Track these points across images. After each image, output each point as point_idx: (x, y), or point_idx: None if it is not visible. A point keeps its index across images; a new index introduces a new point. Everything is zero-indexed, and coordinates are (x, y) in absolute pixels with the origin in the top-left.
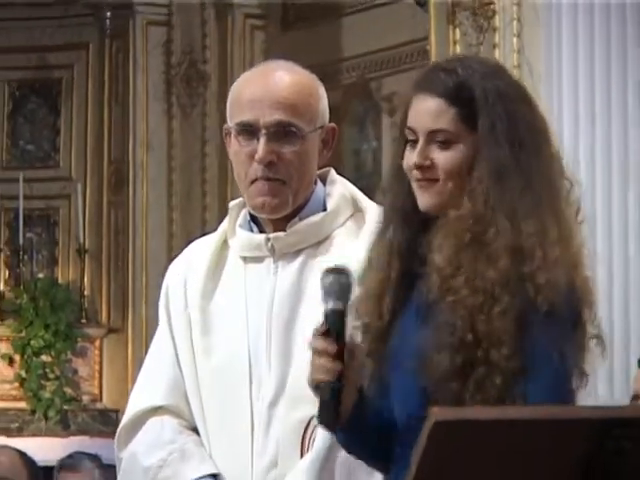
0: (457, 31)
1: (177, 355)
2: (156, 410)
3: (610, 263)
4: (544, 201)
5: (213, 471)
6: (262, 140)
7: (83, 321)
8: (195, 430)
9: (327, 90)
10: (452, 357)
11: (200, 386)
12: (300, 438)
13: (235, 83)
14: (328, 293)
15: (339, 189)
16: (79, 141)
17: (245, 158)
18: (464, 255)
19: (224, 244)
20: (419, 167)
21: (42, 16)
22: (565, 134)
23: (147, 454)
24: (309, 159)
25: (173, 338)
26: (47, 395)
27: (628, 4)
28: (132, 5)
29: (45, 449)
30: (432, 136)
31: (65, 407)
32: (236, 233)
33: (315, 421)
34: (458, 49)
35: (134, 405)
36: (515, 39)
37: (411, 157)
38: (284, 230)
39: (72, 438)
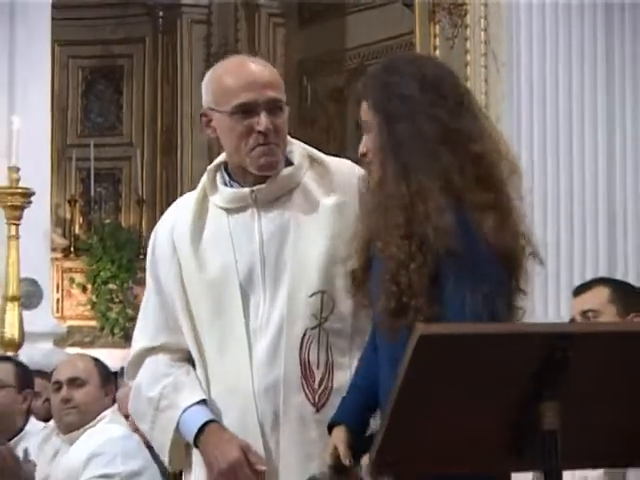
0: (437, 27)
1: (164, 297)
2: (151, 350)
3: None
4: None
5: (202, 397)
6: (263, 114)
7: (141, 257)
8: (189, 360)
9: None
10: (385, 303)
11: (193, 309)
12: (298, 347)
13: (214, 76)
14: None
15: (298, 148)
16: (137, 115)
17: (244, 131)
18: (377, 220)
19: (204, 199)
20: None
21: (107, 15)
22: (523, 109)
23: (149, 386)
24: (287, 126)
25: (159, 282)
26: (113, 315)
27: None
28: (180, 7)
29: (111, 358)
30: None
31: (127, 325)
32: (219, 189)
33: (310, 332)
34: (438, 41)
35: (134, 346)
36: (483, 33)
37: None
38: (262, 184)
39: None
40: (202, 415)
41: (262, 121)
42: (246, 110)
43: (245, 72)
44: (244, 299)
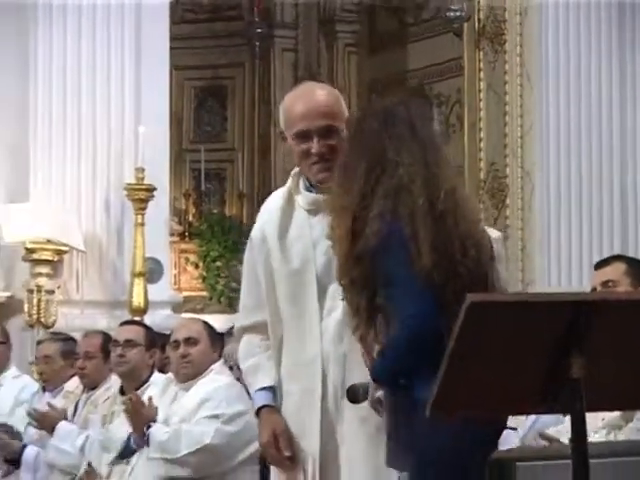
0: (481, 53)
1: (257, 279)
2: (247, 329)
3: None
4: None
5: (270, 384)
6: (315, 140)
7: (242, 239)
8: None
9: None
10: (345, 296)
11: (277, 290)
12: None
13: (285, 102)
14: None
15: None
16: (239, 125)
17: (302, 152)
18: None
19: (291, 198)
20: None
21: (214, 45)
22: (551, 118)
23: (242, 360)
24: (342, 145)
25: (254, 266)
26: (220, 287)
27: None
28: (272, 37)
29: (218, 322)
30: None
31: (231, 295)
32: (301, 193)
33: None
34: (482, 64)
35: (236, 323)
36: (518, 58)
37: None
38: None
39: (236, 315)
40: (262, 399)
41: (314, 146)
42: (302, 136)
43: (305, 103)
44: (319, 287)
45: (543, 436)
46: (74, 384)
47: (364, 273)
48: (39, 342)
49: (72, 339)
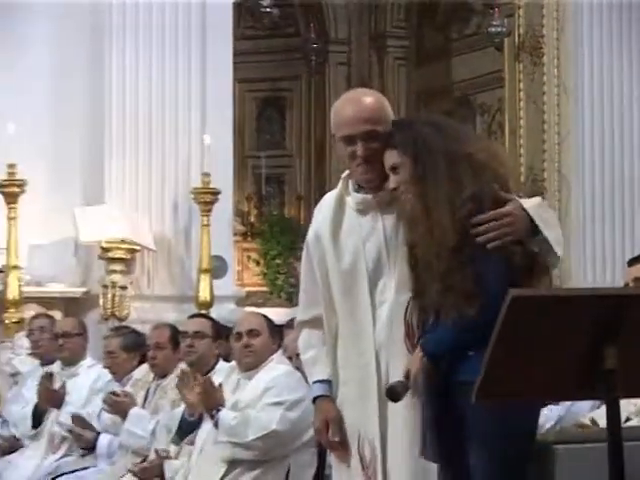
0: (521, 65)
1: (314, 276)
2: (305, 323)
3: None
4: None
5: (325, 377)
6: (359, 144)
7: (300, 239)
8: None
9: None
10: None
11: (331, 286)
12: (404, 313)
13: (335, 106)
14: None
15: None
16: (297, 133)
17: (349, 155)
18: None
19: (342, 199)
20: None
21: (274, 60)
22: (586, 124)
23: (302, 351)
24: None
25: (311, 263)
26: (279, 283)
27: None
28: (327, 52)
29: (278, 315)
30: None
31: (290, 290)
32: (351, 194)
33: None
34: (521, 76)
35: (296, 317)
36: (555, 70)
37: None
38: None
39: (294, 308)
40: (318, 390)
41: (359, 149)
42: (348, 140)
43: (351, 109)
44: (370, 281)
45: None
46: (141, 373)
47: (466, 251)
48: (104, 338)
49: (134, 331)
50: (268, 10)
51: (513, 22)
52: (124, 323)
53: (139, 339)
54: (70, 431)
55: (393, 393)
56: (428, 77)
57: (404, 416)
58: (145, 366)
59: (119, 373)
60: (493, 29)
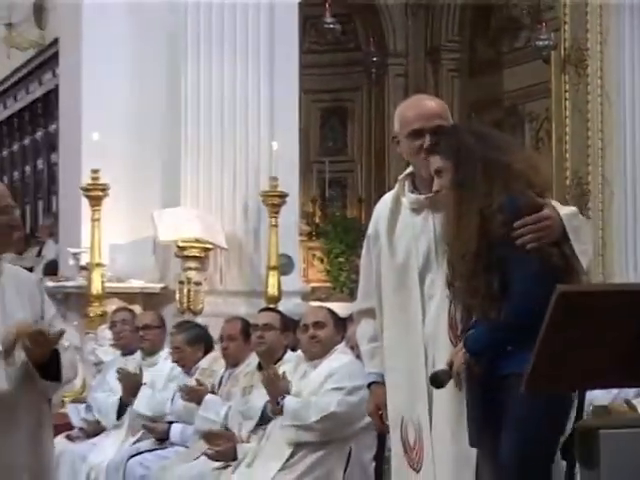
0: (567, 76)
1: (371, 270)
2: (363, 312)
3: None
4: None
5: (381, 372)
6: (427, 137)
7: (361, 238)
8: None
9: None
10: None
11: (385, 280)
12: (448, 307)
13: (399, 108)
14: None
15: None
16: (358, 141)
17: (416, 148)
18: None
19: (398, 200)
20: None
21: (336, 72)
22: (627, 131)
23: (360, 340)
24: None
25: (370, 258)
26: (342, 279)
27: None
28: (386, 65)
29: (341, 309)
30: None
31: (351, 285)
32: (406, 194)
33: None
34: (567, 87)
35: (354, 305)
36: (599, 80)
37: None
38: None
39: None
40: (373, 377)
41: (425, 142)
42: (416, 134)
43: (418, 107)
44: (420, 276)
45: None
46: (207, 362)
47: (492, 258)
48: (170, 334)
49: (197, 325)
50: (331, 26)
51: (559, 36)
52: (198, 317)
53: (201, 332)
54: (144, 425)
55: (437, 380)
56: (480, 88)
57: (449, 404)
58: (211, 355)
59: (187, 365)
60: (541, 43)
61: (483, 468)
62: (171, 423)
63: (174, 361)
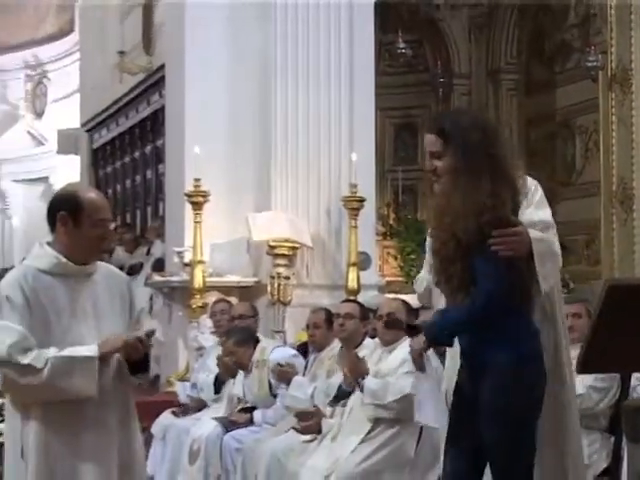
0: (613, 94)
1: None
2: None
3: None
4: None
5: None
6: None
7: None
8: None
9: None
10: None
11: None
12: None
13: None
14: None
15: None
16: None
17: None
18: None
19: None
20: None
21: (407, 92)
22: None
23: (437, 306)
24: None
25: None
26: (413, 274)
27: None
28: (452, 85)
29: (413, 300)
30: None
31: None
32: None
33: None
34: (614, 102)
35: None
36: None
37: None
38: None
39: None
40: None
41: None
42: None
43: None
44: None
45: None
46: (255, 357)
47: (469, 249)
48: (221, 345)
49: (241, 328)
50: (403, 51)
51: (606, 58)
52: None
53: (246, 333)
54: (230, 421)
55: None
56: (535, 105)
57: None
58: (258, 348)
59: (243, 365)
60: (590, 64)
61: (457, 464)
62: (252, 409)
63: (233, 366)
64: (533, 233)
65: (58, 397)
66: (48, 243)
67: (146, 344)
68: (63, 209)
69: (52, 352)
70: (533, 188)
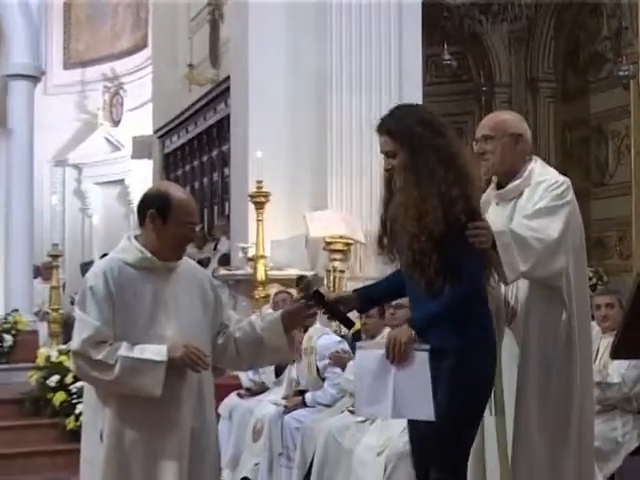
0: None
1: None
2: None
3: None
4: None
5: None
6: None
7: None
8: None
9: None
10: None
11: None
12: None
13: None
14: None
15: (533, 168)
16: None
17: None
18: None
19: (488, 195)
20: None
21: (452, 100)
22: None
23: None
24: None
25: None
26: None
27: None
28: (494, 94)
29: None
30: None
31: None
32: (493, 190)
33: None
34: None
35: None
36: None
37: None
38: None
39: None
40: None
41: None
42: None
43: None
44: None
45: None
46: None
47: (442, 241)
48: None
49: None
50: (448, 62)
51: (637, 67)
52: None
53: None
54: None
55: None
56: (571, 111)
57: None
58: (306, 336)
59: (297, 348)
60: (621, 73)
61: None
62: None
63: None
64: (493, 225)
65: (125, 392)
66: (135, 237)
67: (203, 358)
68: (153, 207)
69: (124, 350)
70: (554, 184)
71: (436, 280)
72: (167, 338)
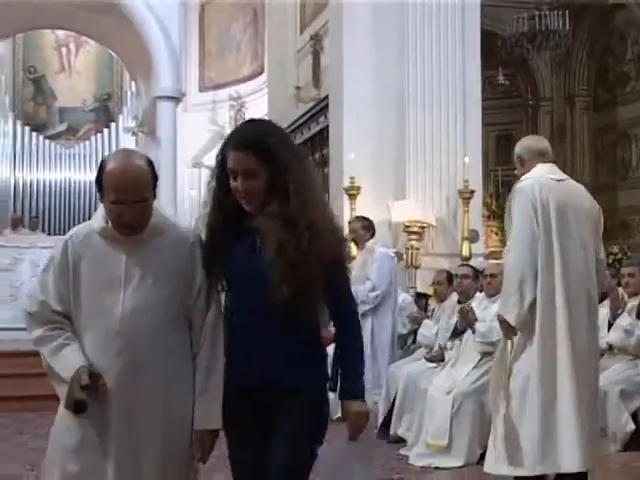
0: None
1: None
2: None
3: None
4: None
5: None
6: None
7: None
8: None
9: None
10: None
11: None
12: None
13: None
14: None
15: None
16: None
17: None
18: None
19: None
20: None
21: (504, 112)
22: None
23: None
24: None
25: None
26: None
27: None
28: (539, 106)
29: None
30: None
31: None
32: None
33: None
34: None
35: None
36: None
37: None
38: None
39: None
40: None
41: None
42: None
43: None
44: None
45: None
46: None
47: (319, 269)
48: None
49: (365, 218)
50: (501, 81)
51: None
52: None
53: (367, 221)
54: None
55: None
56: (601, 119)
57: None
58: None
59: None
60: None
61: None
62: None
63: (351, 240)
64: None
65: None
66: None
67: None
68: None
69: (47, 350)
70: None
71: (314, 304)
72: (115, 315)
